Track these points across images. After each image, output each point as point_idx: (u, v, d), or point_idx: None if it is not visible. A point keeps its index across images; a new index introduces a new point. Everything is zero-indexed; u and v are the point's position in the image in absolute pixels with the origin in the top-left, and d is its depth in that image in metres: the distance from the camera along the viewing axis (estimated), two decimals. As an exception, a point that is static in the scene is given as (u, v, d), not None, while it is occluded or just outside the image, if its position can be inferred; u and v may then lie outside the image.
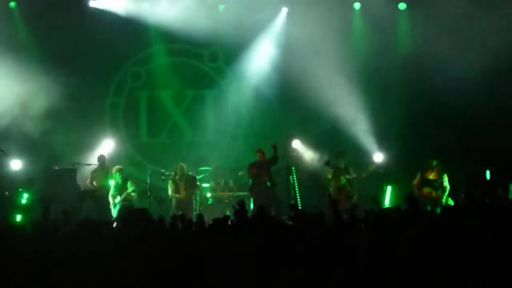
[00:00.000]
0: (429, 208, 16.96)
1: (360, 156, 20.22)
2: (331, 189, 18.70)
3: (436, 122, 20.58)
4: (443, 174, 18.30)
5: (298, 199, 20.12)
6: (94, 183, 18.96)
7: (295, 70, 20.53)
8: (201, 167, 20.40)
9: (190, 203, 18.71)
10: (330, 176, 18.80)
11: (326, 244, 6.25)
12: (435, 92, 20.55)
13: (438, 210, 16.02)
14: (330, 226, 8.09)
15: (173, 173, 18.83)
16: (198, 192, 19.19)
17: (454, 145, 20.13)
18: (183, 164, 18.92)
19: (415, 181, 18.36)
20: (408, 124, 20.57)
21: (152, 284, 4.42)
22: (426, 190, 18.08)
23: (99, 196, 18.71)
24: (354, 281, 4.14)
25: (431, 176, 18.27)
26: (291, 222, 10.89)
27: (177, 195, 18.62)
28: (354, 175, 18.84)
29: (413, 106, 20.66)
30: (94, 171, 19.20)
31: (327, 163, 18.66)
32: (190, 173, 19.23)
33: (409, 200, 7.04)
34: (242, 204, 11.71)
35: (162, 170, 19.26)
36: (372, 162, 19.74)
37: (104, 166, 19.18)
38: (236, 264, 5.65)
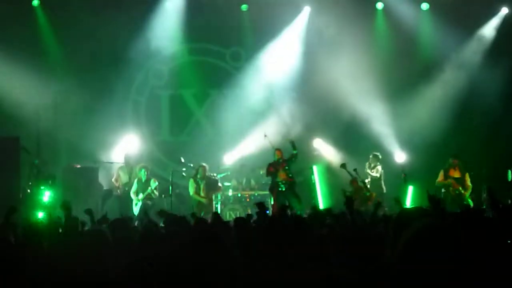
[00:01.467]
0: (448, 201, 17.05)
1: (382, 156, 20.12)
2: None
3: (458, 122, 20.55)
4: (465, 173, 18.32)
5: (319, 199, 20.14)
6: (119, 181, 19.07)
7: (317, 69, 20.55)
8: (222, 166, 20.46)
9: (211, 206, 18.66)
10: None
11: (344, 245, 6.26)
12: (457, 92, 20.54)
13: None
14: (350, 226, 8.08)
15: (194, 172, 18.86)
16: (220, 193, 19.23)
17: (476, 145, 20.12)
18: (205, 165, 18.90)
19: (439, 179, 18.38)
20: (430, 124, 20.48)
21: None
22: (454, 182, 18.13)
23: (121, 195, 18.80)
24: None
25: (456, 174, 18.27)
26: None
27: (198, 198, 18.59)
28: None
29: (435, 106, 20.63)
30: (119, 169, 19.29)
31: (343, 166, 18.61)
32: (213, 175, 19.22)
33: (432, 201, 6.96)
34: (261, 206, 11.60)
35: (182, 160, 19.26)
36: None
37: (129, 164, 19.26)
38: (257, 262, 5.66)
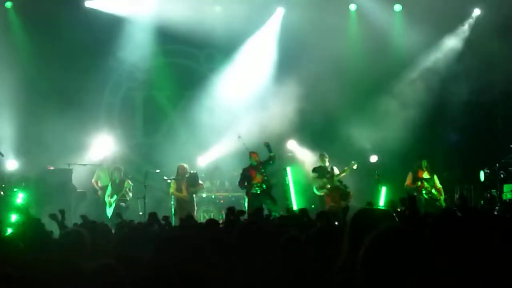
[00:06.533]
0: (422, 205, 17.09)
1: (355, 156, 20.16)
2: (319, 191, 18.74)
3: (430, 123, 20.70)
4: (433, 174, 18.35)
5: (293, 201, 20.17)
6: (99, 182, 19.04)
7: (290, 70, 20.59)
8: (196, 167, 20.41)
9: (192, 202, 18.52)
10: (315, 176, 18.91)
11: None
12: (429, 93, 20.69)
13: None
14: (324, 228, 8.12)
15: (176, 174, 18.77)
16: (202, 190, 19.10)
17: (448, 146, 20.27)
18: (184, 164, 18.80)
19: (408, 182, 18.38)
20: (403, 125, 20.57)
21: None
22: (425, 184, 18.11)
23: (101, 196, 18.79)
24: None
25: (425, 175, 18.26)
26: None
27: (178, 194, 18.45)
28: (339, 173, 18.88)
29: (408, 107, 20.73)
30: (99, 170, 19.27)
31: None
32: (192, 171, 19.09)
33: (409, 202, 6.93)
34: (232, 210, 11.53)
35: (165, 177, 19.12)
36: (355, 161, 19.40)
37: (108, 166, 19.23)
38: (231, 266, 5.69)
